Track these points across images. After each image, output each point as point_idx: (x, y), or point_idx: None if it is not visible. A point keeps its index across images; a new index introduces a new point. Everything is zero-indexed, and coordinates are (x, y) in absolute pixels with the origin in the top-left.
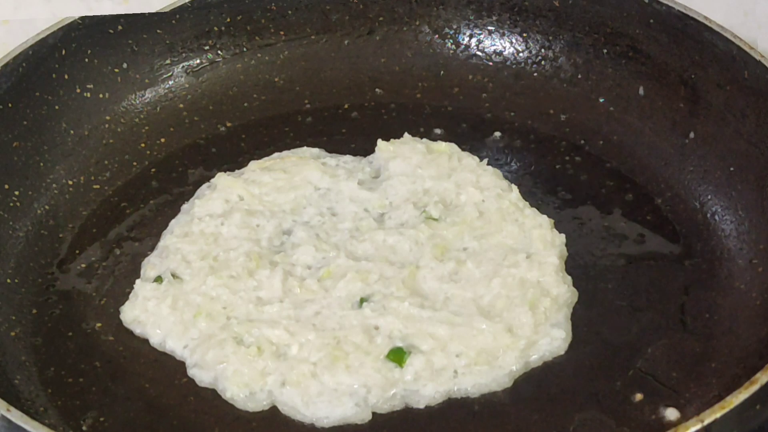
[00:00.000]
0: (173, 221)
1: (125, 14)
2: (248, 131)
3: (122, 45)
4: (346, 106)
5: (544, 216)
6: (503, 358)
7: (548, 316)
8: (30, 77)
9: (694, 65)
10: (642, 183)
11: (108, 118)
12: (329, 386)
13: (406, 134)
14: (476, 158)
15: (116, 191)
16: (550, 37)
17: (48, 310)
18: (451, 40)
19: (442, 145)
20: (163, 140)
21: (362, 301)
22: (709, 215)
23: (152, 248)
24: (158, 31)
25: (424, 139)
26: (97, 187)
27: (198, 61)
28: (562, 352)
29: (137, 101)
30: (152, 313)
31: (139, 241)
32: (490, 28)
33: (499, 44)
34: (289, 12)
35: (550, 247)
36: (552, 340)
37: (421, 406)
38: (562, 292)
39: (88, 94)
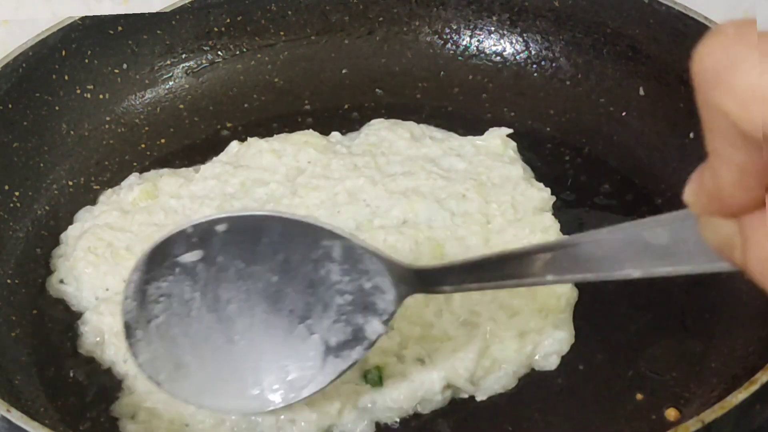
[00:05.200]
0: None
1: (125, 15)
2: (248, 132)
3: (122, 45)
4: (346, 107)
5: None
6: (508, 360)
7: (552, 317)
8: (30, 78)
9: None
10: (642, 183)
11: (108, 118)
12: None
13: None
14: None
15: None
16: (550, 38)
17: (48, 311)
18: (451, 41)
19: None
20: (163, 141)
21: None
22: None
23: None
24: (158, 31)
25: None
26: (98, 188)
27: (198, 61)
28: (564, 353)
29: (137, 102)
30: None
31: None
32: (490, 28)
33: (499, 45)
34: (289, 12)
35: None
36: (554, 341)
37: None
38: (565, 292)
39: (88, 95)
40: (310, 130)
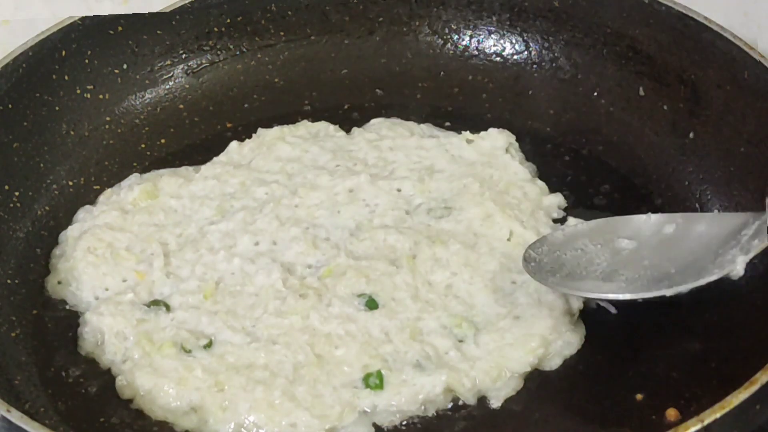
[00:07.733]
0: None
1: (125, 15)
2: (248, 132)
3: (122, 46)
4: (346, 107)
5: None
6: (517, 362)
7: (563, 321)
8: (30, 78)
9: (694, 65)
10: (642, 183)
11: (108, 119)
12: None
13: None
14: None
15: None
16: (550, 38)
17: (48, 311)
18: (451, 41)
19: None
20: (163, 141)
21: (371, 303)
22: None
23: None
24: (158, 31)
25: None
26: (98, 188)
27: (198, 61)
28: (569, 356)
29: (137, 102)
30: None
31: None
32: (490, 28)
33: (499, 45)
34: (289, 13)
35: None
36: (564, 344)
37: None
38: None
39: (89, 95)
40: None
